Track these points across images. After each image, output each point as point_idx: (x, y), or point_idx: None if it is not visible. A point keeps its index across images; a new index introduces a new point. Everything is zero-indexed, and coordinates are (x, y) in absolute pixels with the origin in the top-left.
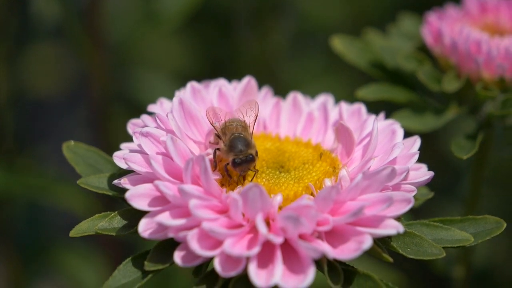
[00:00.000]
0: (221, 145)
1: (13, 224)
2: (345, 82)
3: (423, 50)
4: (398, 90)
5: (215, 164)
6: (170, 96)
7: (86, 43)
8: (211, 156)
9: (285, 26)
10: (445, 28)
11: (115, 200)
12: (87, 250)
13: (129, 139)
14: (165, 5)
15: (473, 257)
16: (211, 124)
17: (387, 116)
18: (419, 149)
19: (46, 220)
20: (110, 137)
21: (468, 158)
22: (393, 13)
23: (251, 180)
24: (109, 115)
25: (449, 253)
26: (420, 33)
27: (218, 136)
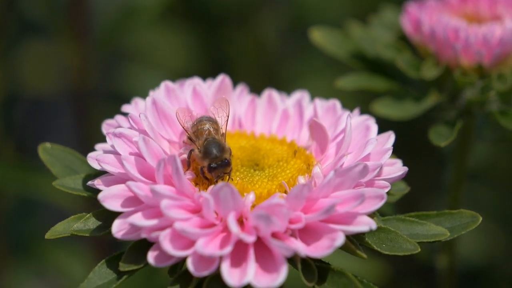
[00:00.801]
0: (195, 150)
1: (3, 219)
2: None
3: (403, 39)
4: (378, 79)
5: (188, 164)
6: None
7: (70, 38)
8: (185, 156)
9: (280, 19)
10: (424, 17)
11: None
12: (77, 246)
13: None
14: None
15: (458, 248)
16: (182, 127)
17: (368, 106)
18: (394, 144)
19: (37, 216)
20: (96, 134)
21: (451, 148)
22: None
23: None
24: (94, 111)
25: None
26: (400, 22)
27: (190, 139)
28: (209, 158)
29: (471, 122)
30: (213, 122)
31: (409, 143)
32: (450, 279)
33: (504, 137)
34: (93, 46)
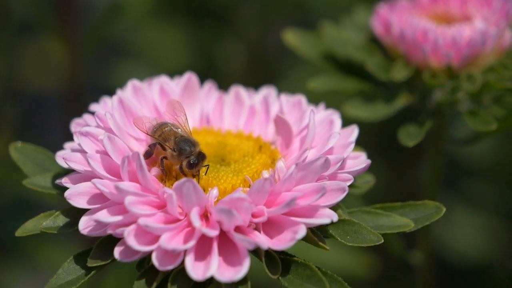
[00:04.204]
0: (168, 151)
1: None
2: None
3: (375, 41)
4: (349, 81)
5: (150, 154)
6: None
7: (59, 35)
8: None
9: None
10: (394, 18)
11: None
12: (71, 243)
13: None
14: None
15: (432, 242)
16: (147, 134)
17: (339, 107)
18: (357, 138)
19: (28, 213)
20: None
21: (424, 147)
22: None
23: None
24: (82, 108)
25: (406, 237)
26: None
27: (160, 144)
28: (185, 154)
29: (443, 122)
30: (173, 124)
31: (391, 142)
32: (426, 275)
33: (476, 138)
34: (82, 43)
